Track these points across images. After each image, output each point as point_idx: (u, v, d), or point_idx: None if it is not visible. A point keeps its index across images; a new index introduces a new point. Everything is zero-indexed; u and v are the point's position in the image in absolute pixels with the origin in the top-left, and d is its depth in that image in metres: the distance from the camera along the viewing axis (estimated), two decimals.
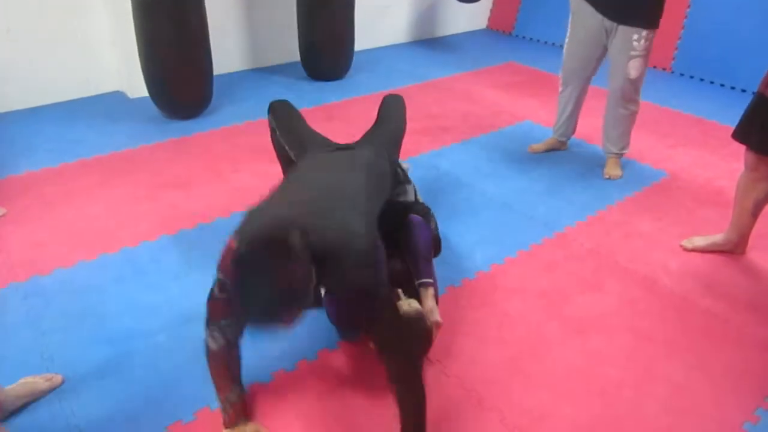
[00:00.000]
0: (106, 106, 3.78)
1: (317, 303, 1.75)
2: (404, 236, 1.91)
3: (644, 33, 2.68)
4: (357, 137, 2.20)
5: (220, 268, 1.49)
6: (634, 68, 2.76)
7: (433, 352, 1.81)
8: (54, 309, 2.04)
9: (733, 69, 4.38)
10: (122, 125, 3.51)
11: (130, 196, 2.76)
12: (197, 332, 1.56)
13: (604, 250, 2.46)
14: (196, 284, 2.03)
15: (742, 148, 2.25)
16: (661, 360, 1.91)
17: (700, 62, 4.58)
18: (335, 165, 1.87)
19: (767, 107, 2.11)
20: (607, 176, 3.06)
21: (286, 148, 2.16)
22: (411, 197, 2.05)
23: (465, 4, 5.09)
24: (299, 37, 4.26)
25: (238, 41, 4.44)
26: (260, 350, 1.83)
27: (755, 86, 2.23)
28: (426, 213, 2.05)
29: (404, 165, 2.86)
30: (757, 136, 2.16)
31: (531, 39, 5.66)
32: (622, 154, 3.09)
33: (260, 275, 1.27)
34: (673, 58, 4.73)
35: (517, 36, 5.78)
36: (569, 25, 2.93)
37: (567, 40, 2.95)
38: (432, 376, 1.74)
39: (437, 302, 1.87)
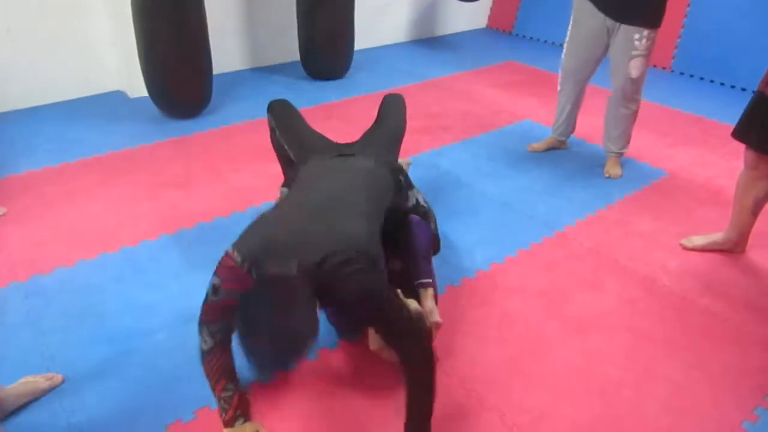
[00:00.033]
0: (106, 106, 3.78)
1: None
2: (403, 236, 1.91)
3: (646, 32, 2.68)
4: (357, 137, 2.21)
5: (217, 273, 1.51)
6: (635, 68, 2.75)
7: None
8: (54, 308, 2.05)
9: (733, 68, 4.38)
10: (122, 125, 3.51)
11: (130, 195, 2.76)
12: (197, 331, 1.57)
13: (604, 249, 2.46)
14: (196, 283, 2.02)
15: (741, 146, 2.25)
16: (660, 359, 1.91)
17: (700, 61, 4.58)
18: (337, 176, 1.84)
19: (767, 106, 2.11)
20: (607, 175, 3.06)
21: (286, 147, 2.17)
22: (412, 203, 2.04)
23: (465, 3, 5.09)
24: (299, 37, 4.26)
25: (237, 41, 4.44)
26: None
27: (755, 85, 2.24)
28: (425, 213, 2.05)
29: (406, 161, 2.87)
30: (757, 134, 2.16)
31: (531, 38, 5.66)
32: (622, 153, 3.09)
33: (265, 331, 1.31)
34: (673, 57, 4.73)
35: (517, 35, 5.78)
36: (570, 24, 2.92)
37: (567, 38, 2.95)
38: None
39: (437, 302, 1.87)
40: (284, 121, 2.21)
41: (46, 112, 3.64)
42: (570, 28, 2.93)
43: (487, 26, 6.10)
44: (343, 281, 1.45)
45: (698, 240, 2.48)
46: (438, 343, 1.80)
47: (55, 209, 2.63)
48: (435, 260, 2.02)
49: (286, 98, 2.31)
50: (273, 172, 2.45)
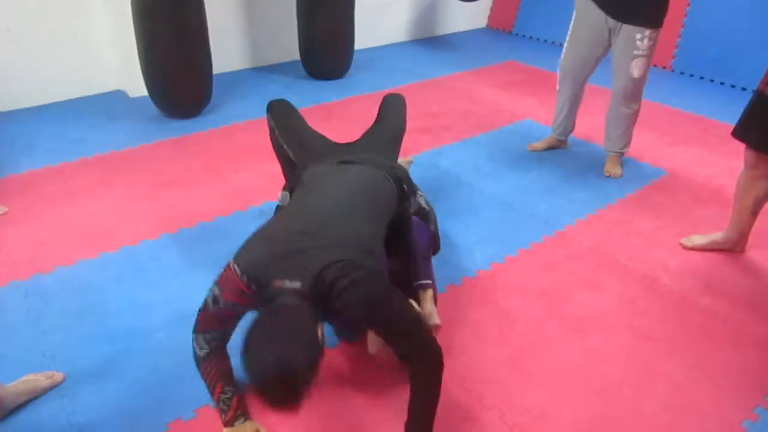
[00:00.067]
0: (106, 106, 3.78)
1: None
2: (403, 237, 1.91)
3: (648, 32, 2.68)
4: (357, 136, 2.21)
5: (218, 283, 1.52)
6: (637, 68, 2.75)
7: None
8: (55, 307, 2.05)
9: (733, 67, 4.38)
10: (122, 124, 3.51)
11: (130, 194, 2.76)
12: None
13: (604, 249, 2.46)
14: (196, 282, 2.03)
15: (741, 146, 2.25)
16: (660, 359, 1.91)
17: (700, 60, 4.58)
18: (339, 188, 1.80)
19: (767, 105, 2.11)
20: (607, 174, 3.06)
21: (285, 147, 2.17)
22: (414, 209, 2.02)
23: (465, 2, 5.09)
24: (299, 36, 4.26)
25: (237, 40, 4.44)
26: None
27: (755, 84, 2.24)
28: (426, 214, 2.05)
29: (407, 159, 2.87)
30: (757, 134, 2.16)
31: (531, 37, 5.66)
32: (622, 153, 3.09)
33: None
34: (673, 57, 4.73)
35: (517, 34, 5.78)
36: (571, 23, 2.92)
37: (568, 38, 2.95)
38: None
39: (436, 303, 1.87)
40: (284, 121, 2.21)
41: (47, 111, 3.65)
42: (571, 26, 2.92)
43: (487, 26, 6.10)
44: (340, 297, 1.44)
45: (698, 239, 2.48)
46: (438, 342, 1.80)
47: (56, 208, 2.63)
48: (435, 260, 2.02)
49: (285, 98, 2.31)
50: (273, 171, 2.46)
